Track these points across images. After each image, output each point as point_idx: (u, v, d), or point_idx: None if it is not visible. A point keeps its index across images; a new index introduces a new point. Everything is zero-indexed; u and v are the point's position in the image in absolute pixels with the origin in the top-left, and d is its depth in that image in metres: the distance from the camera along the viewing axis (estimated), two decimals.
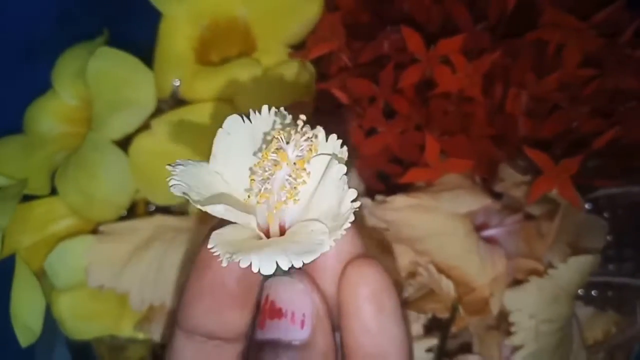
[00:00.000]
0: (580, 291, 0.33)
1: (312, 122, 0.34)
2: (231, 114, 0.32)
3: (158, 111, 0.33)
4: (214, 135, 0.32)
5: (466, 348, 0.27)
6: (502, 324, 0.26)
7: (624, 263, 0.33)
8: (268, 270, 0.16)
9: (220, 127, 0.33)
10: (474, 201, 0.26)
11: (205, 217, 0.32)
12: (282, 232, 0.18)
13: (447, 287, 0.25)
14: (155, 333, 0.30)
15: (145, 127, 0.32)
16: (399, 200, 0.26)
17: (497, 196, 0.32)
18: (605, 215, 0.34)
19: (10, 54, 0.39)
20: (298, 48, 0.32)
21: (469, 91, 0.28)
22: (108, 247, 0.29)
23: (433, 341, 0.25)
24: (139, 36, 0.35)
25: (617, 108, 0.27)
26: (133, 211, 0.34)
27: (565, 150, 0.28)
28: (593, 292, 0.33)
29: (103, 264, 0.29)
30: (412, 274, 0.27)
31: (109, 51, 0.32)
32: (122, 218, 0.32)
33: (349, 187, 0.23)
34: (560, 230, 0.29)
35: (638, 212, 0.33)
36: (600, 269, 0.34)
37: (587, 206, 0.34)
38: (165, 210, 0.33)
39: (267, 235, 0.18)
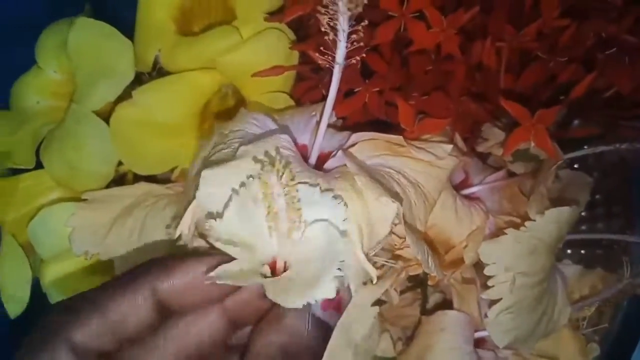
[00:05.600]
0: (569, 251, 0.33)
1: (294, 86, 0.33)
2: (212, 83, 0.32)
3: (140, 82, 0.33)
4: (195, 104, 0.32)
5: (446, 305, 0.27)
6: (480, 278, 0.25)
7: (612, 220, 0.33)
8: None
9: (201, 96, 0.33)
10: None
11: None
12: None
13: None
14: None
15: (127, 97, 0.32)
16: None
17: (481, 156, 0.32)
18: (594, 174, 0.33)
19: None
20: (276, 13, 0.32)
21: (446, 47, 0.28)
22: (91, 214, 0.29)
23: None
24: (123, 13, 0.36)
25: (597, 56, 0.26)
26: (122, 182, 0.35)
27: (545, 104, 0.28)
28: (582, 251, 0.33)
29: (87, 231, 0.29)
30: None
31: (87, 21, 0.32)
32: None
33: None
34: (544, 187, 0.28)
35: (625, 170, 0.33)
36: (589, 228, 0.33)
37: (575, 165, 0.34)
38: (149, 178, 0.33)
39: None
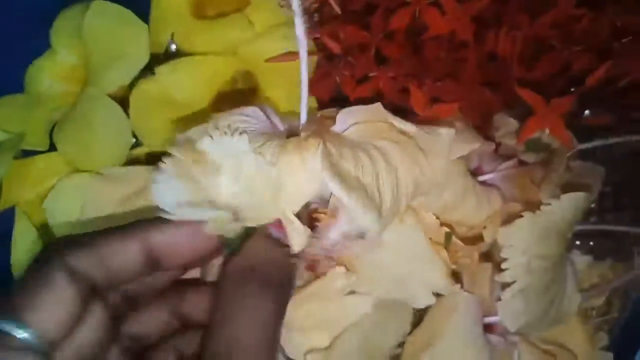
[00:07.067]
0: (577, 242, 0.33)
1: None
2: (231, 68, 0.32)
3: (153, 63, 0.33)
4: (212, 88, 0.33)
5: None
6: (494, 260, 0.25)
7: (621, 212, 0.33)
8: None
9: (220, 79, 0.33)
10: (464, 145, 0.26)
11: None
12: None
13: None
14: None
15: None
16: None
17: (493, 144, 0.32)
18: (604, 165, 0.33)
19: (12, 18, 0.40)
20: None
21: (461, 34, 0.28)
22: (104, 189, 0.30)
23: None
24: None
25: (613, 45, 0.26)
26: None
27: (558, 93, 0.28)
28: (591, 242, 0.33)
29: (99, 205, 0.29)
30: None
31: (103, 5, 0.32)
32: None
33: None
34: (555, 175, 0.29)
35: (635, 161, 0.33)
36: (598, 219, 0.33)
37: (586, 156, 0.34)
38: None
39: None
